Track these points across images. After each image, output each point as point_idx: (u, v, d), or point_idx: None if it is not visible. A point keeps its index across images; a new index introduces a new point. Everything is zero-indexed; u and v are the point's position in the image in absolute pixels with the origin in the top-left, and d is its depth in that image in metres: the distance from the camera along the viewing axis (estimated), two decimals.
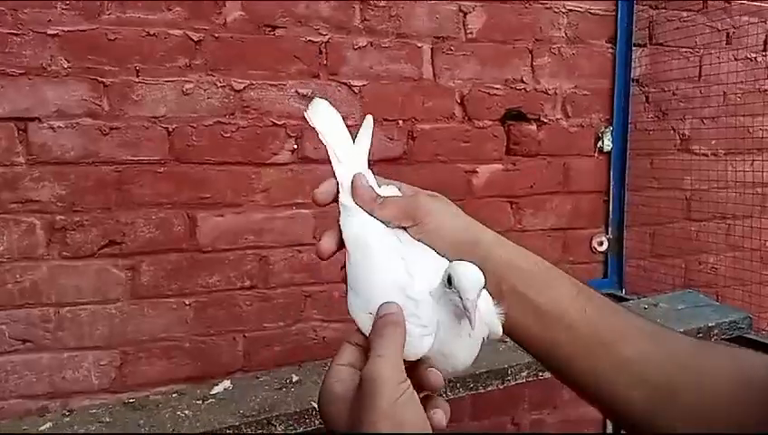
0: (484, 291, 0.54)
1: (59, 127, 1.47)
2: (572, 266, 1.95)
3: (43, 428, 1.12)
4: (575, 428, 2.03)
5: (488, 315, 0.56)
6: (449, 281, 0.52)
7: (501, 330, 0.57)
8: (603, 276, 2.01)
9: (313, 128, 0.67)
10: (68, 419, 1.15)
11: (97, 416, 1.16)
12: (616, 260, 2.01)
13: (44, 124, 1.46)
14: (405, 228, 0.62)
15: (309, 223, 1.70)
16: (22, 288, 1.49)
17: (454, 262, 0.53)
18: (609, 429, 2.09)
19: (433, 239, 0.60)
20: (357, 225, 0.62)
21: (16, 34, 1.41)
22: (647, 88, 2.00)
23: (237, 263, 1.65)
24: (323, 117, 0.68)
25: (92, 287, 1.54)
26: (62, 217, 1.50)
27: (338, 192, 0.65)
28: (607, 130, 1.96)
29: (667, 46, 1.99)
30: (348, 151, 0.67)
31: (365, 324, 0.56)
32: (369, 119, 0.69)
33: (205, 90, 1.57)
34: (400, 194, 0.66)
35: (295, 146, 1.66)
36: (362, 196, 0.63)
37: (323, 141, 0.67)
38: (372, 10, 1.69)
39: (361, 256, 0.60)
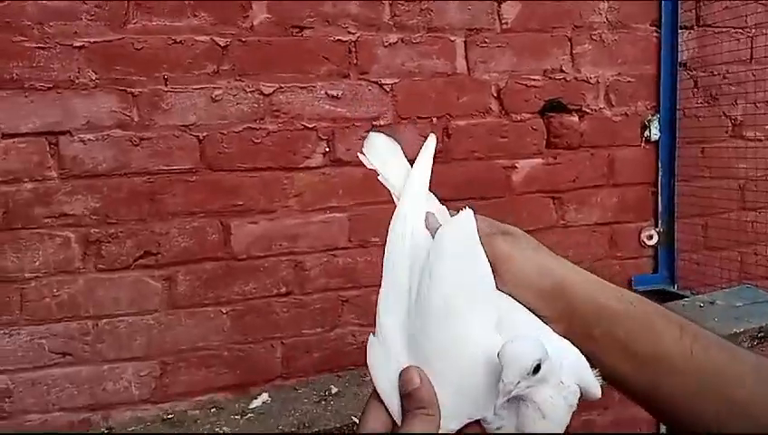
0: (575, 351, 0.49)
1: (89, 139, 1.46)
2: (621, 262, 1.86)
3: None
4: (628, 428, 1.95)
5: (582, 375, 0.49)
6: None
7: (599, 392, 0.50)
8: (653, 271, 1.92)
9: (373, 170, 0.60)
10: None
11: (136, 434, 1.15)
12: (667, 254, 1.92)
13: (75, 137, 1.45)
14: None
15: (344, 226, 1.66)
16: (59, 302, 1.49)
17: (509, 340, 0.47)
18: (663, 429, 2.00)
19: (513, 289, 0.53)
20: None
21: (43, 48, 1.41)
22: (695, 72, 1.89)
23: (272, 270, 1.62)
24: (381, 153, 0.61)
25: (129, 299, 1.53)
26: (97, 230, 1.49)
27: None
28: (654, 118, 1.86)
29: (716, 27, 1.88)
30: (415, 190, 0.59)
31: (389, 397, 0.49)
32: (431, 138, 0.62)
33: (234, 95, 1.54)
34: None
35: (327, 149, 1.62)
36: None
37: (385, 184, 0.60)
38: (402, 5, 1.63)
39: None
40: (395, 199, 0.59)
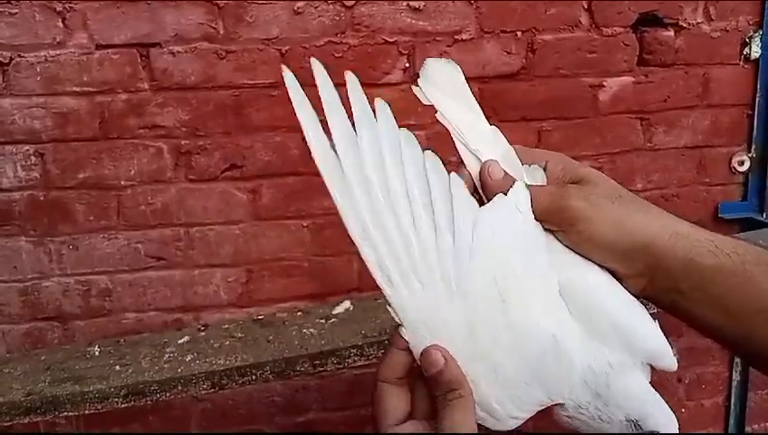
0: (646, 329, 0.48)
1: (178, 52, 1.49)
2: (708, 188, 1.79)
3: (181, 341, 1.20)
4: (702, 356, 1.93)
5: (655, 352, 0.48)
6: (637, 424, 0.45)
7: (675, 364, 0.50)
8: (742, 199, 1.84)
9: (431, 106, 0.52)
10: (203, 333, 1.23)
11: (230, 331, 1.23)
12: (758, 181, 1.83)
13: (164, 50, 1.48)
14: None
15: (423, 144, 1.65)
16: (153, 209, 1.57)
17: (643, 406, 0.46)
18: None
19: (587, 250, 0.50)
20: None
21: None
22: None
23: None
24: (442, 85, 0.53)
25: (217, 209, 1.60)
26: (187, 142, 1.54)
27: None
28: (756, 34, 1.73)
29: None
30: (481, 128, 0.53)
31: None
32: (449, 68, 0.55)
33: (315, 7, 1.53)
34: (544, 179, 0.54)
35: (407, 64, 1.59)
36: (494, 192, 0.52)
37: (446, 124, 0.53)
38: None
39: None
40: (457, 145, 0.54)
